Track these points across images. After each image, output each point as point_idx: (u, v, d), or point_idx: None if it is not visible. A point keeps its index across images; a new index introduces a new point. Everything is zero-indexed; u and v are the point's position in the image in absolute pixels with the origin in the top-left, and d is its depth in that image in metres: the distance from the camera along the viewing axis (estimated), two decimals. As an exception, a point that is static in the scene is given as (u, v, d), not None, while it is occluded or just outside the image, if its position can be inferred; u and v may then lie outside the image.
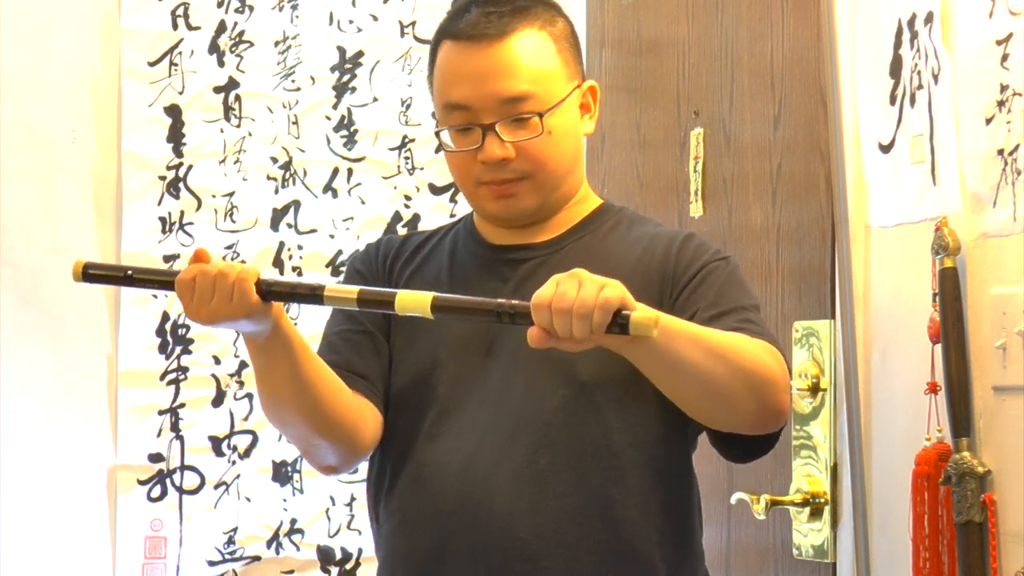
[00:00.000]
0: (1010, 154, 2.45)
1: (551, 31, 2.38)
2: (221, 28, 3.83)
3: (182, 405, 3.77)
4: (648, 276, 2.33)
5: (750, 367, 2.18)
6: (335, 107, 3.89)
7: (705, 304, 2.29)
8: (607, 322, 2.05)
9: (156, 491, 3.75)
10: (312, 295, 2.22)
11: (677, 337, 2.14)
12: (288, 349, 2.27)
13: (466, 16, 2.38)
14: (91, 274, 2.28)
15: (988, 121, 2.50)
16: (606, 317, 2.04)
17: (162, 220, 3.78)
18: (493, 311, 2.12)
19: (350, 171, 3.89)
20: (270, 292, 2.21)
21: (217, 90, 3.83)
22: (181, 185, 3.80)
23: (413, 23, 3.91)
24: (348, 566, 3.83)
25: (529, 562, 2.26)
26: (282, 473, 3.80)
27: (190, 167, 3.80)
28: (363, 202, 3.88)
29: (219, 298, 2.18)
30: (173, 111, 3.80)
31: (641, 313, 2.06)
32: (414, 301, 2.15)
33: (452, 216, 3.89)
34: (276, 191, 3.85)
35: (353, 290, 2.20)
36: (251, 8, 3.84)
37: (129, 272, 2.29)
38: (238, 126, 3.84)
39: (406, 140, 3.91)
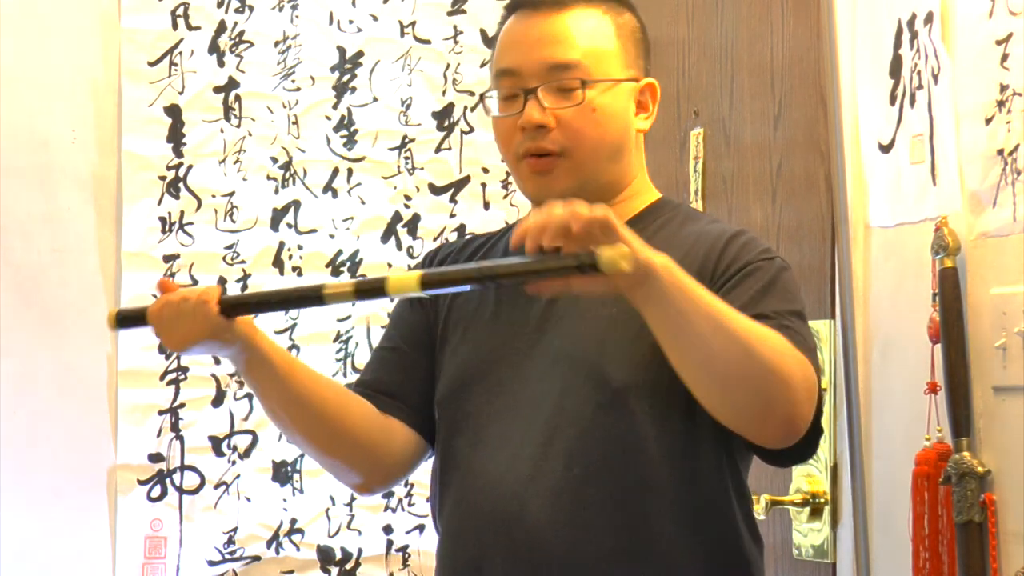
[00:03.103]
0: (1010, 154, 2.45)
1: (615, 18, 2.36)
2: (221, 28, 3.83)
3: (182, 405, 3.77)
4: (689, 275, 2.28)
5: (764, 359, 2.08)
6: (335, 107, 3.89)
7: (740, 304, 2.18)
8: (585, 233, 2.00)
9: (156, 491, 3.75)
10: (311, 297, 2.25)
11: (684, 298, 2.07)
12: (270, 369, 2.30)
13: None
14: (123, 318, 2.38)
15: (988, 121, 2.50)
16: (583, 226, 2.00)
17: (162, 220, 3.78)
18: (475, 277, 2.11)
19: (350, 171, 3.89)
20: (235, 307, 2.26)
21: (217, 90, 3.83)
22: (181, 185, 3.80)
23: (413, 23, 3.91)
24: (348, 566, 3.83)
25: (564, 573, 2.23)
26: (282, 473, 3.80)
27: (190, 167, 3.80)
28: (363, 202, 3.88)
29: (185, 322, 2.23)
30: (173, 111, 3.80)
31: (613, 249, 2.00)
32: (404, 282, 2.16)
33: (452, 216, 3.90)
34: (276, 191, 3.85)
35: (349, 284, 2.22)
36: (251, 8, 3.84)
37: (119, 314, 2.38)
38: (238, 126, 3.84)
39: (406, 140, 3.91)
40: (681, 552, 2.24)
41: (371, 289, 2.22)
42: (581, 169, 2.31)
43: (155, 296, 2.30)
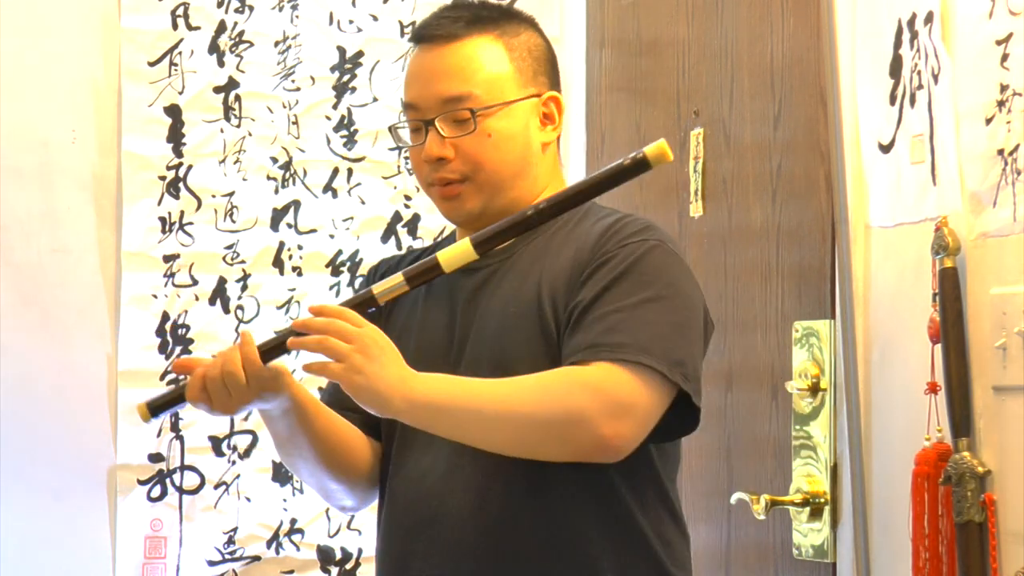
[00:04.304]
0: (1010, 154, 2.45)
1: (507, 41, 2.44)
2: (221, 28, 3.83)
3: (182, 405, 3.77)
4: (574, 277, 2.35)
5: (534, 417, 2.22)
6: (335, 107, 3.89)
7: (584, 304, 2.30)
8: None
9: (156, 491, 3.75)
10: (364, 302, 2.31)
11: (437, 413, 2.24)
12: (304, 408, 2.37)
13: (427, 21, 2.48)
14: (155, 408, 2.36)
15: (988, 121, 2.49)
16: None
17: (162, 220, 3.78)
18: (525, 220, 2.32)
19: (350, 171, 3.89)
20: (272, 351, 2.30)
21: (217, 90, 3.83)
22: (181, 185, 3.80)
23: (413, 23, 3.91)
24: (348, 566, 3.83)
25: (477, 562, 2.31)
26: (282, 473, 3.80)
27: (190, 167, 3.80)
28: (363, 202, 3.88)
29: (238, 389, 2.27)
30: (173, 111, 3.80)
31: (655, 147, 2.23)
32: (457, 253, 2.31)
33: (452, 216, 3.90)
34: (276, 191, 3.85)
35: (398, 276, 2.31)
36: (251, 8, 3.84)
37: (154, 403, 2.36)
38: (238, 126, 3.84)
39: (406, 140, 3.91)
40: (588, 541, 2.31)
41: (425, 271, 2.31)
42: (484, 189, 2.42)
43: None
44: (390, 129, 2.50)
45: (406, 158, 3.91)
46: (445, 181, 2.41)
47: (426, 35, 2.44)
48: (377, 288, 2.30)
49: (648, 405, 2.25)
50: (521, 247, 2.42)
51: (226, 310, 3.81)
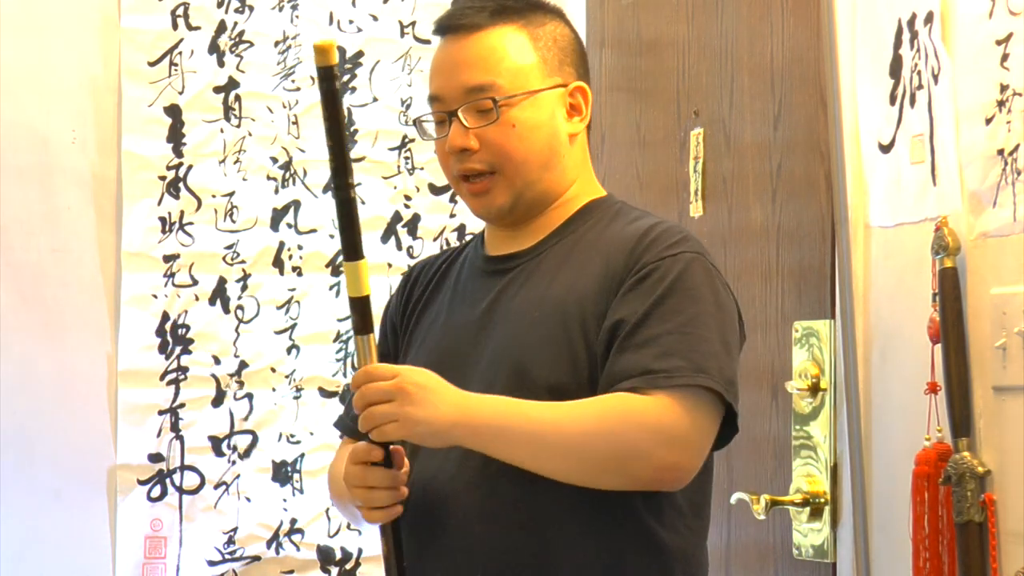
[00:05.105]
0: (1010, 154, 2.45)
1: (532, 31, 2.42)
2: (221, 28, 3.83)
3: (182, 405, 3.77)
4: (607, 285, 2.33)
5: (592, 450, 2.21)
6: (335, 107, 3.88)
7: (631, 323, 2.26)
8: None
9: (156, 491, 3.75)
10: None
11: (493, 435, 2.23)
12: None
13: (451, 12, 2.45)
14: None
15: (988, 121, 2.50)
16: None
17: (162, 220, 3.78)
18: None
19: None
20: None
21: (217, 90, 3.83)
22: (181, 185, 3.80)
23: (413, 23, 3.91)
24: (348, 566, 3.83)
25: (479, 564, 2.30)
26: (282, 473, 3.80)
27: (190, 167, 3.80)
28: (363, 202, 3.88)
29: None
30: (173, 111, 3.80)
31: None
32: (351, 275, 2.27)
33: (452, 216, 3.90)
34: (276, 191, 3.85)
35: (357, 339, 2.30)
36: (251, 8, 3.84)
37: None
38: (238, 126, 3.84)
39: (406, 140, 3.91)
40: (585, 551, 2.29)
41: (360, 314, 2.27)
42: (513, 183, 2.39)
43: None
44: (414, 122, 2.48)
45: (406, 158, 3.91)
46: (472, 172, 2.38)
47: (450, 26, 2.42)
48: (359, 362, 2.27)
49: (704, 431, 2.26)
50: (548, 247, 2.41)
51: (226, 310, 3.81)
